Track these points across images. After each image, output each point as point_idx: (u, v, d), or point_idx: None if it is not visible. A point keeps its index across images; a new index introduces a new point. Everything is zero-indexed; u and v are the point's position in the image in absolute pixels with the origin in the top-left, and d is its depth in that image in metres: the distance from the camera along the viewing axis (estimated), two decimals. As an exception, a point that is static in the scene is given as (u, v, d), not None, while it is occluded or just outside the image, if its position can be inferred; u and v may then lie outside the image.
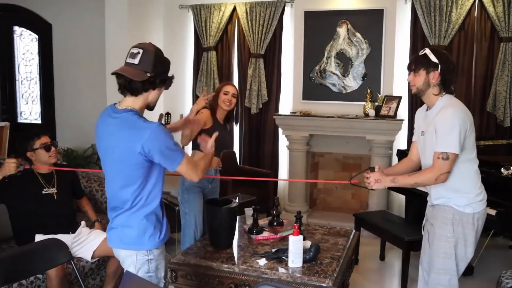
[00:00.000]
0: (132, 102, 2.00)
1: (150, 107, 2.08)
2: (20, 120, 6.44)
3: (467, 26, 4.76)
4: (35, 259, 2.35)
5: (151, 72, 1.96)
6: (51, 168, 3.11)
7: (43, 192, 3.07)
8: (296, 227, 2.68)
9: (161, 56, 2.03)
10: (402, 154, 4.48)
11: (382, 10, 4.87)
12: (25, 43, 6.31)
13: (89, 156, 5.72)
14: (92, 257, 3.07)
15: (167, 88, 2.07)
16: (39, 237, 2.93)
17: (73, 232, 3.12)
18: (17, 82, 6.41)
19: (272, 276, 2.60)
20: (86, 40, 5.83)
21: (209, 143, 2.32)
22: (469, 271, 3.72)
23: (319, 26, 5.07)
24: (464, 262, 2.45)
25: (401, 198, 4.88)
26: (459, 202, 2.38)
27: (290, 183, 5.24)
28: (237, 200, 4.68)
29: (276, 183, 5.44)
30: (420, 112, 2.61)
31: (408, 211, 4.56)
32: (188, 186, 3.30)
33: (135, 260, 2.05)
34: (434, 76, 2.36)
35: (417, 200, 4.23)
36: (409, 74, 2.46)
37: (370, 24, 4.92)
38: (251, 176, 5.12)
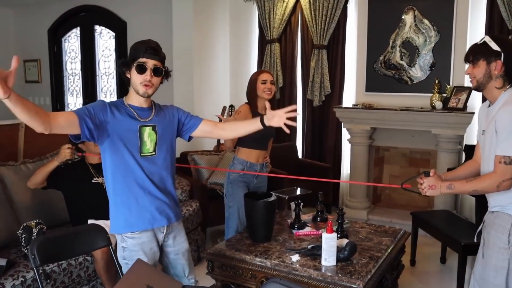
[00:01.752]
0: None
1: (136, 90, 2.17)
2: (100, 112, 6.91)
3: (554, 7, 4.25)
4: (76, 242, 2.49)
5: None
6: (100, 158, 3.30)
7: (93, 181, 3.25)
8: (330, 224, 2.59)
9: (134, 43, 2.18)
10: (470, 151, 4.13)
11: (454, -7, 4.51)
12: (104, 41, 6.75)
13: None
14: None
15: (140, 71, 2.12)
16: (91, 222, 3.14)
17: None
18: (97, 77, 6.88)
19: (302, 273, 2.53)
20: (155, 36, 5.96)
21: None
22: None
23: (383, 13, 4.82)
24: None
25: (473, 199, 4.51)
26: None
27: (352, 178, 5.07)
28: (298, 193, 4.63)
29: (337, 178, 5.29)
30: (482, 109, 2.33)
31: (478, 214, 4.19)
32: (233, 179, 3.32)
33: (117, 242, 2.24)
34: (497, 67, 2.09)
35: (487, 203, 3.89)
36: (467, 67, 2.20)
37: (439, 9, 4.57)
38: (311, 170, 5.03)
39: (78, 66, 7.07)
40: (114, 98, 6.75)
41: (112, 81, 6.72)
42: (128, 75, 2.17)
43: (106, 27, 6.67)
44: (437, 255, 3.97)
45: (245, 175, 3.31)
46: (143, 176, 2.17)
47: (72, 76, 7.19)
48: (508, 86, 2.12)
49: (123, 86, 6.56)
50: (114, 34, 6.59)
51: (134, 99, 2.20)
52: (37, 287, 2.39)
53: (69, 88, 7.28)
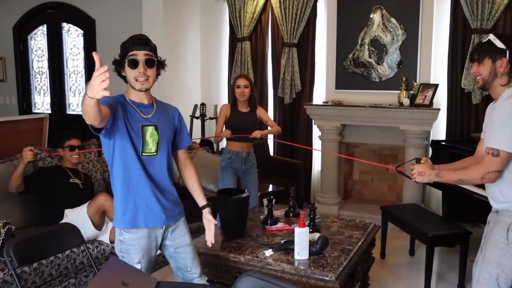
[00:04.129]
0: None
1: (132, 86, 2.14)
2: (69, 111, 6.79)
3: (514, 7, 4.42)
4: (51, 241, 2.48)
5: None
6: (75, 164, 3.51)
7: (70, 181, 3.40)
8: (302, 219, 2.64)
9: (123, 42, 2.17)
10: (437, 146, 4.26)
11: (419, -7, 4.64)
12: (72, 39, 6.62)
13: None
14: (110, 241, 3.23)
15: (132, 66, 2.09)
16: (68, 212, 3.24)
17: None
18: (65, 75, 6.75)
19: (276, 267, 2.57)
20: (125, 34, 5.93)
21: None
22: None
23: (352, 12, 4.92)
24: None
25: (440, 193, 4.64)
26: None
27: (323, 174, 5.14)
28: (270, 189, 4.69)
29: (309, 174, 5.37)
30: (489, 107, 2.30)
31: (444, 206, 4.33)
32: (223, 166, 3.86)
33: (116, 235, 2.23)
34: (502, 64, 2.09)
35: (453, 196, 4.02)
36: (472, 65, 2.21)
37: (406, 8, 4.70)
38: (283, 167, 5.09)
39: (45, 64, 6.92)
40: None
41: (81, 79, 6.60)
42: (123, 73, 2.14)
43: (74, 24, 6.54)
44: (406, 248, 4.08)
45: (233, 162, 3.82)
46: (142, 176, 2.14)
47: (39, 74, 7.02)
48: None
49: (92, 85, 6.45)
50: (82, 32, 6.47)
51: (134, 95, 2.16)
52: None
53: (36, 87, 7.11)
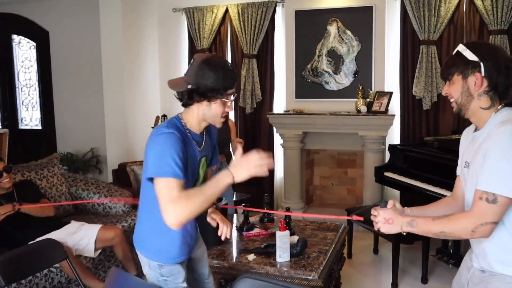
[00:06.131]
0: (184, 113, 1.91)
1: (212, 122, 1.90)
2: (21, 126, 6.57)
3: (456, 20, 4.80)
4: (32, 260, 2.45)
5: (192, 83, 1.79)
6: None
7: None
8: (283, 223, 2.76)
9: (206, 67, 1.78)
10: (394, 149, 4.53)
11: (372, 7, 4.93)
12: (24, 51, 6.44)
13: (88, 160, 5.82)
14: (95, 250, 3.20)
15: (224, 106, 1.85)
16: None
17: (60, 227, 3.28)
18: (17, 89, 6.54)
19: (260, 270, 2.68)
20: (82, 46, 5.93)
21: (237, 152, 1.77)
22: None
23: (309, 25, 5.14)
24: None
25: (398, 193, 4.91)
26: None
27: (286, 180, 5.30)
28: (235, 198, 4.79)
29: (271, 181, 5.51)
30: (466, 134, 1.84)
31: (402, 205, 4.58)
32: None
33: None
34: (477, 82, 1.63)
35: (410, 194, 4.28)
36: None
37: (360, 21, 4.97)
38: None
39: (-7, 78, 6.67)
40: (37, 111, 6.43)
41: (34, 93, 6.42)
42: (200, 103, 1.83)
43: (26, 36, 6.37)
44: (370, 247, 4.30)
45: None
46: None
47: (-13, 88, 6.76)
48: (500, 106, 1.64)
49: (46, 98, 6.30)
50: (35, 44, 6.31)
51: (196, 126, 1.91)
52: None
53: (-17, 102, 6.83)
